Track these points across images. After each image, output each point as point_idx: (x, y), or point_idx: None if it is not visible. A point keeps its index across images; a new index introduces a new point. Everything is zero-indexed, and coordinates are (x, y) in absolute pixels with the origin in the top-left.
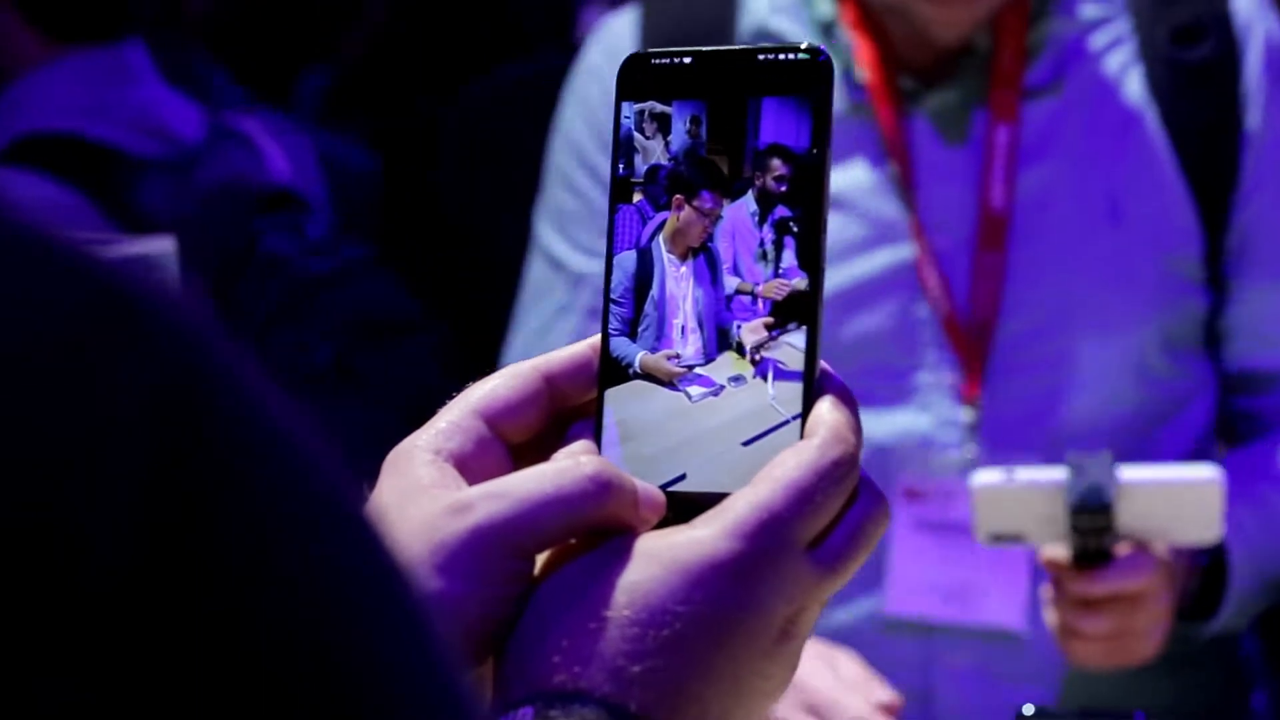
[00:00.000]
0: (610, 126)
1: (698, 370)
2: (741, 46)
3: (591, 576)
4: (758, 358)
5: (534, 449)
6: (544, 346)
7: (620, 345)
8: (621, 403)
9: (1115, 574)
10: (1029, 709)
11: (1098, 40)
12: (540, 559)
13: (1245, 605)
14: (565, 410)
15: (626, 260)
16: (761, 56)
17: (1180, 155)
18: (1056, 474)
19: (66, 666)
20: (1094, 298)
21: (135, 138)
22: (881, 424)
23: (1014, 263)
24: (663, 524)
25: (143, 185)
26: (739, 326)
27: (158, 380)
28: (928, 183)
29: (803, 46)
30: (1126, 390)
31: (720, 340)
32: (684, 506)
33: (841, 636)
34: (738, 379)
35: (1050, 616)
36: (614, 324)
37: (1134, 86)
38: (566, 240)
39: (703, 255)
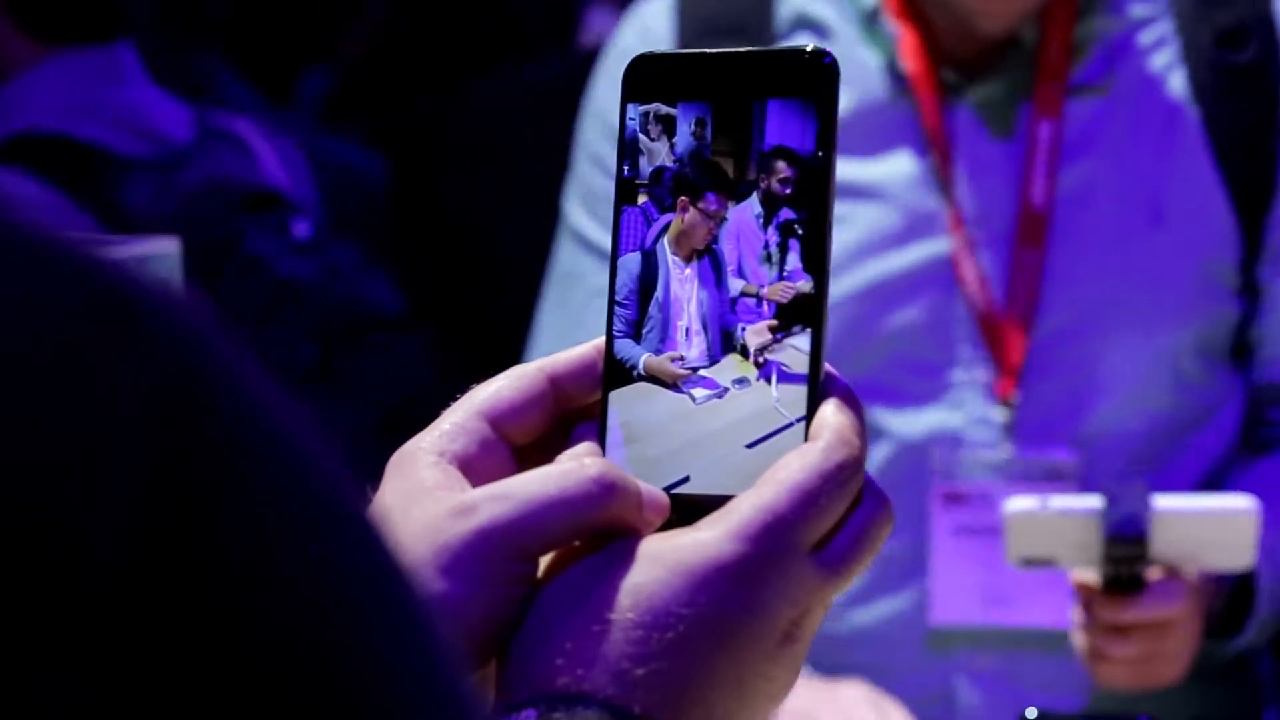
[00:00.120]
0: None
1: (702, 372)
2: (747, 48)
3: (595, 579)
4: (762, 360)
5: (538, 451)
6: (579, 334)
7: (624, 347)
8: (626, 405)
9: (1148, 602)
10: (1031, 712)
11: (1144, 39)
12: (544, 561)
13: (1269, 624)
14: (569, 412)
15: (631, 262)
16: (767, 58)
17: (1221, 160)
18: (1091, 502)
19: (66, 666)
20: (1132, 299)
21: (123, 138)
22: (913, 421)
23: (1052, 260)
24: (667, 526)
25: (129, 185)
26: (743, 329)
27: (158, 380)
28: (967, 176)
29: (808, 48)
30: (1160, 394)
31: (725, 343)
32: (688, 509)
33: (867, 640)
34: (742, 381)
35: (1078, 639)
36: (618, 326)
37: (1177, 88)
38: (598, 220)
39: (707, 257)
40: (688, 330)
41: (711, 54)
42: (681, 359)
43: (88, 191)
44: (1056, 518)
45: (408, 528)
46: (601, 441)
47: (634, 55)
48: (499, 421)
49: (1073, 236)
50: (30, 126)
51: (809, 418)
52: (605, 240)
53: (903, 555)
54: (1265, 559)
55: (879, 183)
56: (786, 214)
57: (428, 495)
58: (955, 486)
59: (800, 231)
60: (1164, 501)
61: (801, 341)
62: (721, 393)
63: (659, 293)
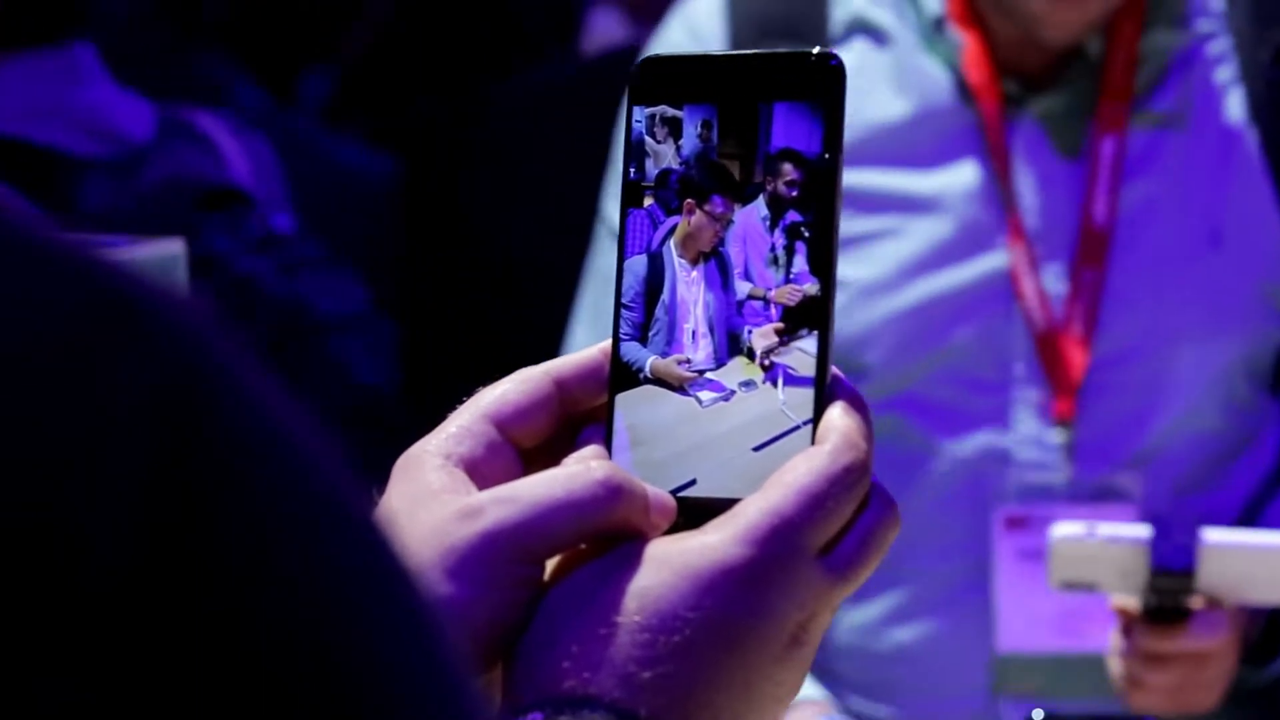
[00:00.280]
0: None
1: (708, 375)
2: (754, 51)
3: (602, 582)
4: (768, 363)
5: (544, 454)
6: None
7: (631, 350)
8: (632, 408)
9: (1191, 634)
10: (1038, 714)
11: (1205, 55)
12: (550, 564)
13: None
14: (576, 415)
15: (637, 265)
16: (773, 61)
17: (1278, 181)
18: (1139, 531)
19: (66, 666)
20: (1190, 319)
21: (80, 139)
22: (965, 439)
23: (1112, 279)
24: (673, 529)
25: (85, 186)
26: (750, 331)
27: (158, 380)
28: (1028, 190)
29: (815, 51)
30: (1213, 415)
31: (731, 345)
32: (694, 512)
33: (914, 659)
34: (748, 384)
35: (1115, 665)
36: (625, 328)
37: (1236, 107)
38: None
39: (714, 260)
40: (694, 333)
41: (718, 56)
42: (688, 362)
43: (44, 194)
44: (1103, 545)
45: (414, 530)
46: (608, 444)
47: (679, 49)
48: (505, 424)
49: (1132, 255)
50: None
51: (816, 421)
52: None
53: (952, 576)
54: None
55: (938, 194)
56: (793, 216)
57: (434, 498)
58: (1017, 511)
59: (807, 234)
60: (1213, 535)
61: (808, 344)
62: (728, 395)
63: (665, 295)
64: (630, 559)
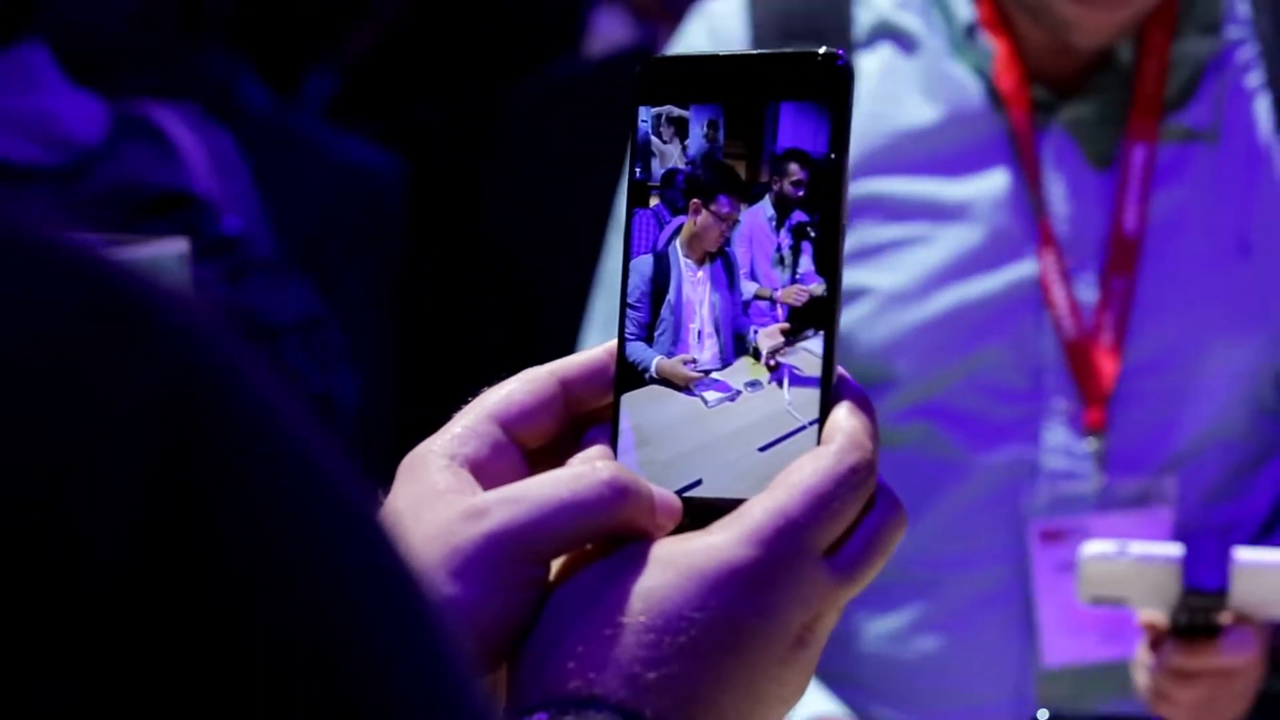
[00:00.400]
0: None
1: (714, 375)
2: (760, 51)
3: (607, 582)
4: (774, 363)
5: (550, 454)
6: None
7: (636, 350)
8: (637, 408)
9: (1221, 651)
10: (1043, 714)
11: (1235, 62)
12: (556, 564)
13: None
14: (581, 415)
15: (643, 264)
16: (779, 61)
17: None
18: (1171, 550)
19: (66, 666)
20: (1219, 328)
21: (24, 146)
22: (996, 450)
23: (1142, 287)
24: (679, 530)
25: (30, 195)
26: (756, 332)
27: (158, 380)
28: (1058, 198)
29: (821, 51)
30: (1241, 424)
31: (737, 345)
32: (700, 512)
33: (944, 668)
34: (754, 384)
35: (1141, 678)
36: (630, 328)
37: (1264, 115)
38: None
39: (719, 260)
40: (700, 333)
41: (724, 56)
42: (694, 362)
43: None
44: (1134, 565)
45: (419, 531)
46: (613, 444)
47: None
48: (510, 425)
49: (1162, 263)
50: None
51: (821, 421)
52: None
53: (981, 585)
54: None
55: (968, 201)
56: (799, 217)
57: (439, 498)
58: (1052, 524)
59: (813, 234)
60: (1244, 554)
61: (814, 345)
62: (734, 396)
63: (671, 295)
64: (635, 559)
